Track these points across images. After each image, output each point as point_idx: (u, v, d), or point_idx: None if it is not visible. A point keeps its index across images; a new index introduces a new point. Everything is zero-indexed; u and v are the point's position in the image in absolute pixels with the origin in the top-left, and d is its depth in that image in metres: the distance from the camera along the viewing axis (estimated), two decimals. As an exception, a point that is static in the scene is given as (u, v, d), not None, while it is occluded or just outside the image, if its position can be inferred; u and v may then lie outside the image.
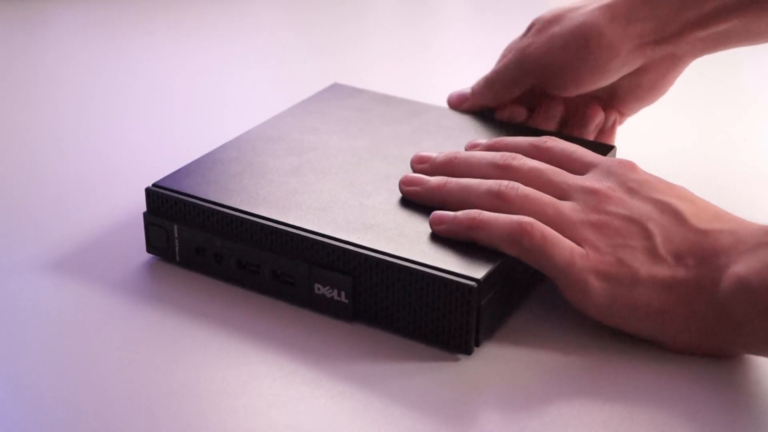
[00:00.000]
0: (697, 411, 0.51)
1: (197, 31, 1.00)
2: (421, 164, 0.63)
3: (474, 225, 0.56)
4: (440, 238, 0.57)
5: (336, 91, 0.74)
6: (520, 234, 0.54)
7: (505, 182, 0.58)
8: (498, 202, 0.57)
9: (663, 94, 0.72)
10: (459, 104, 0.72)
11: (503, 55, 0.72)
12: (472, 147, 0.64)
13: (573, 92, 0.69)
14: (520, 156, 0.60)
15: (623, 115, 0.73)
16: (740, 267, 0.52)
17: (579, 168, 0.60)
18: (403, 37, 1.01)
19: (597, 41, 0.66)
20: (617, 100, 0.72)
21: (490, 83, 0.71)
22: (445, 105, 0.80)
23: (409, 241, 0.57)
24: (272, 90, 0.88)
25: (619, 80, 0.70)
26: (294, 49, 0.96)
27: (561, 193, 0.58)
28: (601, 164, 0.59)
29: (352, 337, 0.57)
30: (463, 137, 0.68)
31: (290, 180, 0.62)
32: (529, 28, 0.71)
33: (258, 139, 0.67)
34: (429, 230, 0.58)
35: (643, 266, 0.54)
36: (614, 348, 0.56)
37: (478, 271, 0.54)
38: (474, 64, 0.94)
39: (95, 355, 0.55)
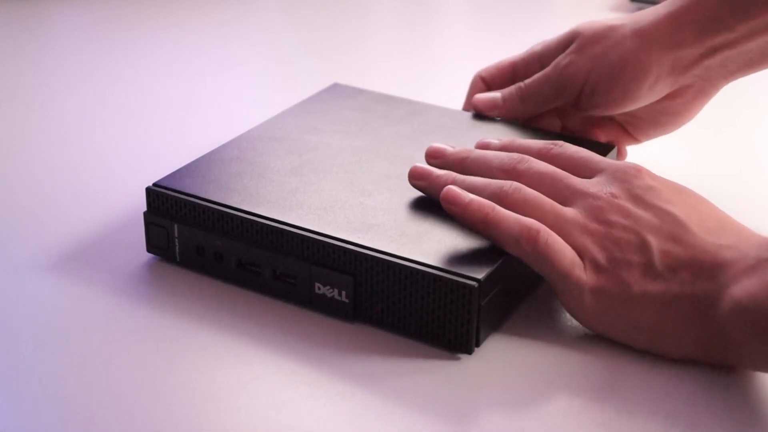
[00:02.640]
0: (696, 412, 0.51)
1: (197, 31, 1.00)
2: (434, 159, 0.63)
3: (487, 220, 0.55)
4: (440, 238, 0.57)
5: (336, 91, 0.74)
6: (526, 239, 0.54)
7: (508, 184, 0.58)
8: (500, 204, 0.57)
9: (684, 123, 0.71)
10: (488, 110, 0.71)
11: (537, 57, 0.71)
12: (483, 146, 0.64)
13: (600, 113, 0.68)
14: (527, 159, 0.60)
15: (637, 141, 0.72)
16: (739, 288, 0.51)
17: (586, 172, 0.59)
18: (403, 37, 1.01)
19: (634, 66, 0.66)
20: (634, 125, 0.71)
21: (525, 96, 0.70)
22: (445, 105, 0.80)
23: (410, 240, 0.57)
24: (272, 90, 0.88)
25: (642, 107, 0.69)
26: (294, 49, 0.96)
27: (565, 197, 0.58)
28: (608, 169, 0.58)
29: (352, 337, 0.57)
30: (463, 137, 0.68)
31: (291, 180, 0.62)
32: (570, 40, 0.69)
33: (258, 139, 0.67)
34: (430, 230, 0.58)
35: (637, 282, 0.54)
36: (614, 348, 0.56)
37: (478, 271, 0.54)
38: (474, 64, 0.94)
39: (95, 355, 0.55)
